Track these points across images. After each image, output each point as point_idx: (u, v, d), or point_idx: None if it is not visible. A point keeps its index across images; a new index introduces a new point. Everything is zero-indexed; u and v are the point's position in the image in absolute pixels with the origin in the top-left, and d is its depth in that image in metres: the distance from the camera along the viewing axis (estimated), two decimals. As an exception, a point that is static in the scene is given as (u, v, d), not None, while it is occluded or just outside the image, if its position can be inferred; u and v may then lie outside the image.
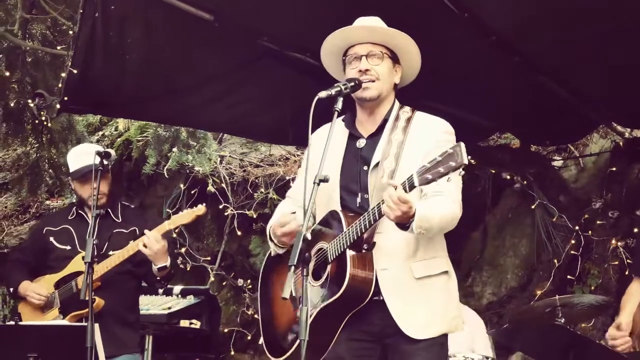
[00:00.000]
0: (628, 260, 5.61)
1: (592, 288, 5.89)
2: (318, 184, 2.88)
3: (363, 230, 3.05)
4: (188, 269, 7.18)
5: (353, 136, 3.35)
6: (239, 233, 7.18)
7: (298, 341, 2.68)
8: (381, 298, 3.14)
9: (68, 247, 4.51)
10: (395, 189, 2.89)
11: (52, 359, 3.77)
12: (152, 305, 5.60)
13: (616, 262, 5.82)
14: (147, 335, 5.24)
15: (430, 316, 3.18)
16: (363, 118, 3.35)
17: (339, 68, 3.38)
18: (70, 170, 4.56)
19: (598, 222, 6.01)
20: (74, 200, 5.04)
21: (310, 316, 3.05)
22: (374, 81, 3.23)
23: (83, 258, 4.17)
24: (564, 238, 6.11)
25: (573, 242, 6.02)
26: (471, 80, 4.75)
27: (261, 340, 3.48)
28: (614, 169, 6.13)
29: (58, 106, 4.74)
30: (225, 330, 7.02)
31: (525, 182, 6.30)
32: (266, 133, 6.21)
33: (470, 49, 4.34)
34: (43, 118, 6.34)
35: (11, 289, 4.62)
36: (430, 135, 3.23)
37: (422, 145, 3.20)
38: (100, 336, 4.28)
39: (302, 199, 3.37)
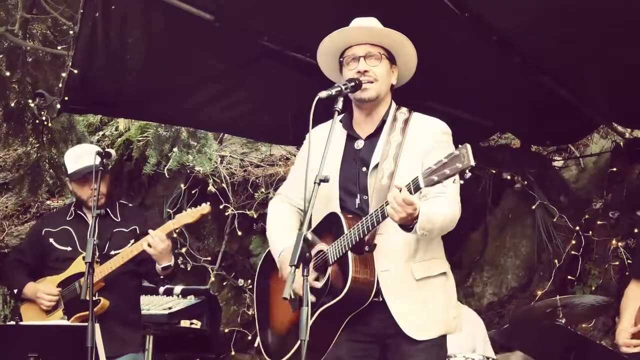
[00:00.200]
0: (629, 261, 5.61)
1: (593, 288, 5.88)
2: (319, 184, 2.87)
3: (365, 232, 3.05)
4: (189, 269, 7.17)
5: (351, 137, 3.34)
6: (239, 233, 7.19)
7: (298, 342, 2.68)
8: (381, 299, 3.14)
9: (69, 248, 4.50)
10: (400, 190, 2.89)
11: (53, 359, 3.76)
12: (152, 305, 5.60)
13: (617, 263, 5.81)
14: (147, 335, 5.23)
15: (431, 317, 3.18)
16: (361, 119, 3.35)
17: (335, 69, 3.38)
18: (69, 172, 4.55)
19: (598, 222, 6.00)
20: (72, 200, 5.03)
21: (311, 317, 3.06)
22: (372, 82, 3.23)
23: (83, 258, 4.20)
24: (564, 238, 6.11)
25: (574, 242, 6.01)
26: (472, 80, 4.75)
27: (257, 342, 3.47)
28: (615, 169, 6.12)
29: (58, 106, 4.74)
30: (226, 330, 7.02)
31: (525, 182, 6.29)
32: (266, 133, 6.21)
33: (470, 49, 4.34)
34: (43, 118, 6.33)
35: (15, 291, 4.59)
36: (429, 136, 3.24)
37: (421, 146, 3.20)
38: (104, 336, 4.30)
39: (295, 197, 3.41)
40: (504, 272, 6.48)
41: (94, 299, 4.29)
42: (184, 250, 7.19)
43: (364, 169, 3.25)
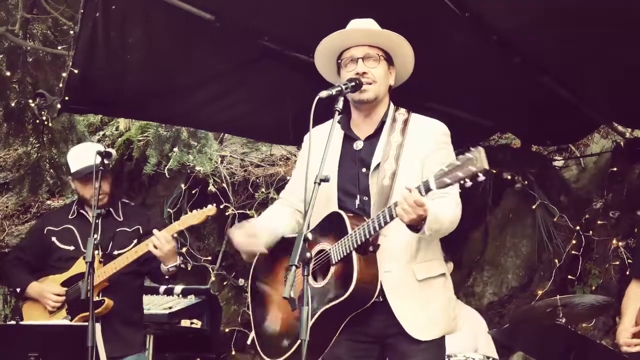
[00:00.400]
0: (629, 260, 5.61)
1: (593, 288, 5.89)
2: (319, 184, 2.88)
3: (372, 233, 3.04)
4: (189, 268, 7.17)
5: (348, 138, 3.34)
6: (239, 233, 7.18)
7: (298, 343, 2.68)
8: (381, 299, 3.14)
9: (71, 248, 4.49)
10: (410, 192, 2.88)
11: (53, 358, 3.77)
12: (153, 304, 5.60)
13: (617, 262, 5.81)
14: (147, 335, 5.24)
15: (432, 318, 3.19)
16: (359, 120, 3.35)
17: (333, 71, 3.38)
18: (72, 170, 4.54)
19: (599, 222, 6.00)
20: (73, 199, 5.02)
21: (313, 317, 3.06)
22: (370, 84, 3.23)
23: (84, 258, 4.20)
24: (564, 238, 6.11)
25: (574, 242, 6.02)
26: (472, 80, 4.75)
27: (250, 340, 3.47)
28: (615, 169, 6.12)
29: (59, 106, 4.74)
30: (226, 330, 7.02)
31: (526, 182, 6.29)
32: (267, 133, 6.21)
33: (471, 48, 4.34)
34: (44, 118, 6.34)
35: (18, 290, 4.57)
36: (428, 137, 3.24)
37: (421, 147, 3.21)
38: (107, 337, 4.30)
39: (295, 200, 3.41)
40: (505, 272, 6.48)
41: (98, 299, 4.31)
42: (184, 250, 7.19)
43: (364, 169, 3.25)
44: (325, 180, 2.88)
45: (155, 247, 4.20)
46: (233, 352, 7.02)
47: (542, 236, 6.19)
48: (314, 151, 3.09)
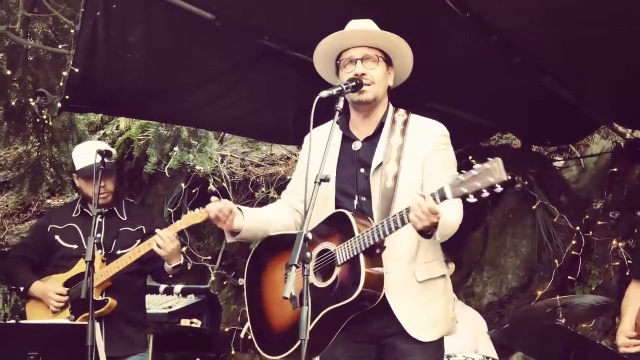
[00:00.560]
0: (629, 261, 5.60)
1: (593, 288, 5.88)
2: (319, 184, 2.88)
3: (382, 236, 3.03)
4: (189, 268, 7.17)
5: (347, 138, 3.33)
6: (240, 232, 7.17)
7: (299, 341, 2.68)
8: (381, 300, 3.13)
9: (75, 246, 4.48)
10: (425, 199, 2.88)
11: (53, 357, 3.77)
12: (152, 304, 5.60)
13: (617, 263, 5.81)
14: (147, 334, 5.24)
15: (433, 318, 3.19)
16: (358, 121, 3.35)
17: (332, 71, 3.38)
18: (77, 168, 4.53)
19: (599, 222, 6.00)
20: (75, 198, 5.02)
21: (317, 316, 3.07)
22: (369, 85, 3.23)
23: (83, 257, 4.18)
24: (564, 238, 6.11)
25: (574, 242, 6.01)
26: (472, 80, 4.75)
27: (243, 333, 3.45)
28: (615, 169, 6.12)
29: (59, 105, 4.74)
30: (226, 329, 7.02)
31: (526, 182, 6.29)
32: (267, 132, 6.21)
33: (471, 48, 4.34)
34: (44, 117, 6.34)
35: (21, 289, 4.55)
36: (428, 139, 3.25)
37: (421, 149, 3.21)
38: (110, 336, 4.30)
39: (295, 200, 3.41)
40: (504, 272, 6.48)
41: (102, 298, 4.31)
42: (184, 249, 7.18)
43: (362, 170, 3.25)
44: (326, 180, 2.89)
45: (158, 246, 4.19)
46: (233, 352, 7.02)
47: (542, 236, 6.19)
48: (314, 152, 3.09)
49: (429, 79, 4.03)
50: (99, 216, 4.48)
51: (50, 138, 6.89)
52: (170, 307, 5.63)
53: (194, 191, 7.32)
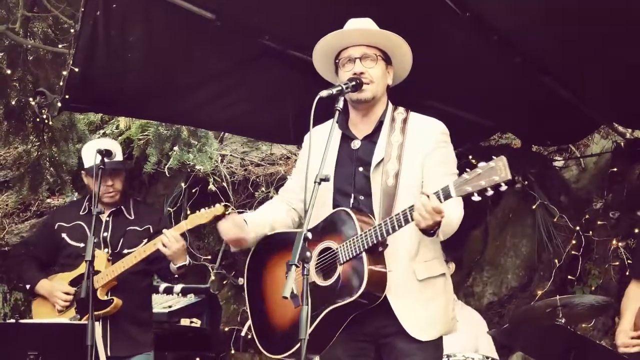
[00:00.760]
0: (629, 261, 5.61)
1: (593, 288, 5.89)
2: (319, 183, 2.88)
3: (385, 235, 3.04)
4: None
5: (346, 137, 3.34)
6: (240, 232, 7.17)
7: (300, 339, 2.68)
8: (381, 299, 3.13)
9: (81, 245, 4.42)
10: (429, 198, 2.88)
11: (53, 357, 3.76)
12: (152, 303, 5.59)
13: (617, 263, 5.81)
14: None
15: (432, 317, 3.19)
16: (357, 120, 3.35)
17: (331, 70, 3.38)
18: (85, 166, 4.52)
19: (599, 222, 6.00)
20: (82, 196, 5.00)
21: (320, 315, 3.08)
22: (368, 84, 3.23)
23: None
24: (564, 238, 6.12)
25: (574, 242, 6.02)
26: (472, 80, 4.75)
27: (244, 332, 3.46)
28: (615, 169, 6.13)
29: (59, 104, 4.74)
30: (226, 329, 7.02)
31: (526, 182, 6.29)
32: (267, 132, 6.21)
33: (471, 48, 4.34)
34: (44, 116, 6.33)
35: (27, 286, 4.54)
36: (428, 137, 3.24)
37: (421, 147, 3.21)
38: (115, 336, 4.30)
39: (293, 198, 3.43)
40: (504, 272, 6.48)
41: (107, 298, 4.30)
42: (184, 248, 7.18)
43: (361, 168, 3.25)
44: (326, 179, 2.89)
45: (164, 245, 4.18)
46: (232, 351, 7.01)
47: (542, 236, 6.19)
48: (314, 151, 3.09)
49: (429, 79, 4.03)
50: (107, 215, 4.51)
51: (50, 137, 6.89)
52: (170, 307, 5.63)
53: (194, 191, 7.32)
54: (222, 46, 4.51)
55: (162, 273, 4.55)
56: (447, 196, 2.88)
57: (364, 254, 3.06)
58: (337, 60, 3.32)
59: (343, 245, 3.12)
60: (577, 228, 6.02)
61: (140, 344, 4.48)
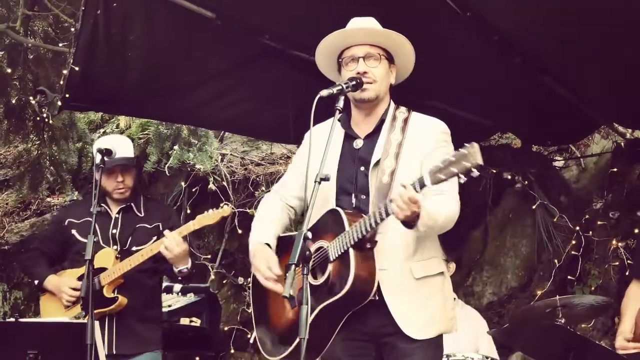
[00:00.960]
0: (628, 261, 5.60)
1: (593, 288, 5.88)
2: (319, 183, 2.88)
3: (368, 230, 3.04)
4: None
5: (349, 136, 3.34)
6: (239, 231, 7.17)
7: (297, 340, 2.68)
8: (378, 298, 3.13)
9: None
10: (405, 188, 2.89)
11: (52, 356, 3.76)
12: (154, 302, 5.60)
13: (617, 263, 5.81)
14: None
15: (429, 316, 3.19)
16: (359, 119, 3.35)
17: (334, 69, 3.38)
18: (96, 162, 4.49)
19: (599, 222, 6.00)
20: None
21: (313, 314, 3.06)
22: (371, 83, 3.23)
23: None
24: (564, 238, 6.12)
25: (574, 242, 6.02)
26: (473, 80, 4.75)
27: (253, 338, 3.47)
28: (615, 169, 6.12)
29: (59, 103, 4.75)
30: (226, 328, 7.02)
31: (526, 182, 6.30)
32: (267, 131, 6.21)
33: (471, 48, 4.34)
34: (44, 115, 6.35)
35: (36, 282, 4.52)
36: (428, 136, 3.24)
37: (421, 146, 3.21)
38: (122, 334, 4.29)
39: (288, 194, 3.44)
40: (504, 272, 6.48)
41: (113, 296, 4.29)
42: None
43: (362, 168, 3.25)
44: (326, 179, 2.89)
45: (166, 247, 4.15)
46: (232, 351, 7.02)
47: (542, 236, 6.19)
48: (314, 150, 3.09)
49: (429, 79, 4.03)
50: (117, 212, 4.49)
51: (50, 136, 6.89)
52: (169, 306, 5.63)
53: (194, 190, 7.32)
54: (222, 45, 4.51)
55: (167, 273, 4.53)
56: (422, 185, 2.87)
57: (351, 251, 3.06)
58: (340, 59, 3.32)
59: (333, 243, 3.13)
60: (577, 228, 6.02)
61: (147, 342, 4.43)
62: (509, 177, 6.39)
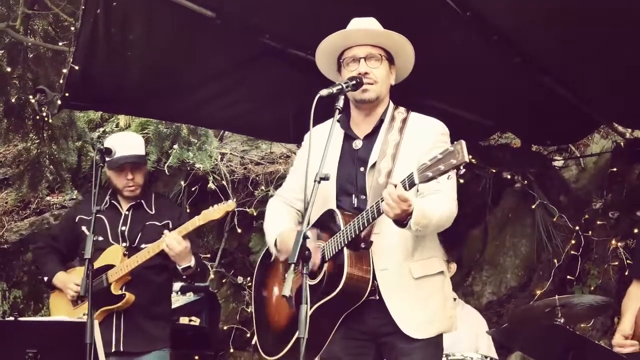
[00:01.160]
0: (628, 261, 5.60)
1: (592, 288, 5.88)
2: (319, 182, 2.88)
3: (361, 229, 3.05)
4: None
5: (348, 137, 3.34)
6: (239, 230, 7.18)
7: (294, 339, 2.68)
8: (377, 298, 3.14)
9: (100, 238, 4.36)
10: (395, 187, 2.89)
11: (51, 355, 3.76)
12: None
13: (616, 263, 5.81)
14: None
15: (429, 316, 3.19)
16: (359, 119, 3.35)
17: (334, 69, 3.38)
18: (106, 159, 4.48)
19: (598, 222, 6.00)
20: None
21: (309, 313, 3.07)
22: (372, 84, 3.23)
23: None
24: (564, 238, 6.11)
25: (573, 242, 6.01)
26: (472, 80, 4.75)
27: (254, 339, 3.48)
28: (615, 169, 6.12)
29: (59, 102, 4.74)
30: (225, 327, 7.02)
31: (525, 181, 6.30)
32: (267, 131, 6.21)
33: (471, 48, 4.34)
34: (44, 114, 6.34)
35: (45, 278, 4.53)
36: (427, 136, 3.24)
37: (419, 146, 3.21)
38: (129, 331, 4.28)
39: (293, 198, 3.43)
40: (504, 272, 6.48)
41: (120, 293, 4.28)
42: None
43: (362, 168, 3.26)
44: (325, 178, 2.89)
45: (167, 247, 4.14)
46: (231, 350, 7.02)
47: (542, 236, 6.19)
48: (314, 150, 3.09)
49: (429, 78, 4.03)
50: (127, 209, 4.48)
51: (49, 135, 6.90)
52: (169, 305, 5.62)
53: (193, 189, 7.32)
54: (222, 45, 4.51)
55: (175, 271, 4.51)
56: (412, 183, 2.88)
57: (345, 250, 3.07)
58: (340, 60, 3.32)
59: (328, 243, 3.14)
60: (577, 228, 6.01)
61: (154, 339, 4.40)
62: (509, 176, 6.39)
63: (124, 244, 4.39)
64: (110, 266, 4.31)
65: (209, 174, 7.30)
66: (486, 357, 4.69)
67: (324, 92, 3.04)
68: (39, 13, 6.44)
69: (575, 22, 3.95)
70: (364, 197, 3.22)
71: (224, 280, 7.38)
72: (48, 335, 3.80)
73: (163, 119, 6.61)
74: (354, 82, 3.16)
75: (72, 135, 7.04)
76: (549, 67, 4.71)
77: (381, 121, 3.31)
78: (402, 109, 3.35)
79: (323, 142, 3.02)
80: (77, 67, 4.38)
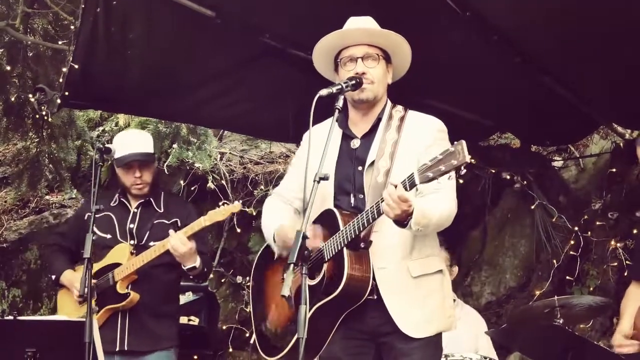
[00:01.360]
0: (627, 262, 5.60)
1: (591, 289, 5.88)
2: (318, 182, 2.88)
3: (361, 229, 3.05)
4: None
5: (346, 136, 3.35)
6: (238, 230, 7.18)
7: (294, 340, 2.68)
8: (376, 297, 3.14)
9: (108, 236, 4.39)
10: (395, 187, 2.89)
11: (51, 354, 3.75)
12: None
13: (615, 263, 5.81)
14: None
15: (428, 315, 3.19)
16: (357, 118, 3.35)
17: (330, 68, 3.38)
18: (115, 157, 4.47)
19: (597, 223, 6.00)
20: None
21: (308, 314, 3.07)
22: (369, 84, 3.23)
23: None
24: (563, 238, 6.11)
25: (572, 242, 6.01)
26: (472, 80, 4.75)
27: (253, 339, 3.47)
28: (614, 170, 6.13)
29: (59, 101, 4.74)
30: (224, 327, 7.02)
31: (525, 182, 6.29)
32: (267, 130, 6.21)
33: (471, 48, 4.34)
34: (44, 113, 6.33)
35: (53, 277, 4.52)
36: (425, 134, 3.25)
37: (418, 144, 3.22)
38: (134, 330, 4.26)
39: (291, 197, 3.43)
40: (503, 272, 6.48)
41: (126, 291, 4.27)
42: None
43: (360, 168, 3.26)
44: (325, 178, 2.89)
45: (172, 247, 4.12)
46: (230, 349, 7.02)
47: (541, 236, 6.18)
48: (313, 150, 3.09)
49: (428, 78, 4.04)
50: (135, 207, 4.47)
51: (49, 134, 6.89)
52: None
53: (192, 189, 7.31)
54: (222, 44, 4.50)
55: (184, 271, 4.50)
56: (413, 184, 2.88)
57: (345, 250, 3.07)
58: (337, 59, 3.32)
59: (327, 243, 3.14)
60: (576, 228, 6.01)
61: (160, 338, 4.36)
62: (508, 177, 6.39)
63: (132, 242, 4.38)
64: (117, 264, 4.30)
65: (209, 174, 7.29)
66: (486, 357, 4.69)
67: (323, 92, 3.05)
68: (39, 12, 6.44)
69: (575, 22, 3.95)
70: (362, 196, 3.22)
71: (223, 280, 7.37)
72: (47, 334, 3.79)
73: (163, 119, 6.60)
74: (353, 82, 3.17)
75: (72, 134, 7.03)
76: (549, 67, 4.71)
77: (379, 120, 3.31)
78: (399, 108, 3.36)
79: (322, 142, 3.02)
80: (76, 66, 4.37)
